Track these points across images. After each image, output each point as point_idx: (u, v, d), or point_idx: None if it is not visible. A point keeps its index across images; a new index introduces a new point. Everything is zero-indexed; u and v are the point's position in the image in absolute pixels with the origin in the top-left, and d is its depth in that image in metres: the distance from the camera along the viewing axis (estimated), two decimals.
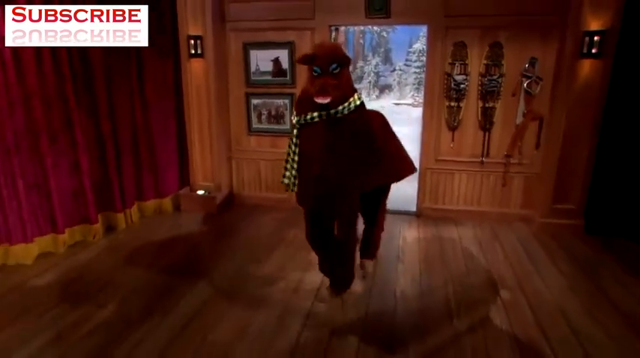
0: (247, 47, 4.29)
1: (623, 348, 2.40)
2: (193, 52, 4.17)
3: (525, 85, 3.85)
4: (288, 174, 2.65)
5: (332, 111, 2.41)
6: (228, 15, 4.26)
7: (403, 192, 4.30)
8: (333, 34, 4.18)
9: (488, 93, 3.95)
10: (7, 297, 2.85)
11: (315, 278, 3.10)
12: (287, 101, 4.39)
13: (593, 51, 3.48)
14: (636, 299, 2.87)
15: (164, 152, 4.47)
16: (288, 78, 4.31)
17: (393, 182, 3.08)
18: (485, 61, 3.89)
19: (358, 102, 2.51)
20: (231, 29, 4.30)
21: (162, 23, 4.16)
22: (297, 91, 4.31)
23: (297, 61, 2.54)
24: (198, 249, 3.72)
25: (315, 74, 2.34)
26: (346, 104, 2.43)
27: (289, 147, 2.60)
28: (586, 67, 3.56)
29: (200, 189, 4.61)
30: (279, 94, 4.39)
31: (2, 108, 3.07)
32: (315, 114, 2.44)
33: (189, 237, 3.93)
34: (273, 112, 4.50)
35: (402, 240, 3.85)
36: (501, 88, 3.92)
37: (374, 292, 2.99)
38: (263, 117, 4.54)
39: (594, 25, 3.44)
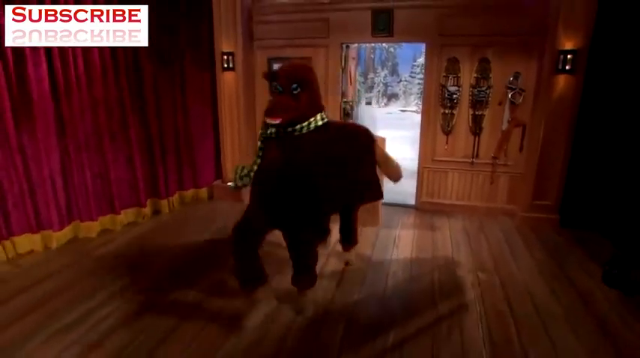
0: (271, 61, 4.72)
1: (572, 317, 2.65)
2: (226, 65, 4.63)
3: (510, 95, 4.12)
4: (246, 171, 2.54)
5: (289, 129, 2.33)
6: (256, 34, 4.70)
7: (404, 188, 4.61)
8: (345, 50, 4.56)
9: (478, 103, 4.24)
10: (78, 262, 3.38)
11: (336, 261, 3.45)
12: None
13: (567, 67, 3.72)
14: (593, 280, 3.09)
15: (202, 150, 4.95)
16: None
17: (354, 204, 3.04)
18: (475, 74, 4.18)
19: (320, 123, 2.42)
20: (258, 46, 4.74)
21: (202, 42, 4.64)
22: None
23: (262, 76, 2.41)
24: (228, 228, 4.13)
25: (276, 92, 2.28)
26: (305, 124, 2.35)
27: (256, 154, 2.50)
28: (561, 81, 3.79)
29: (230, 182, 5.07)
30: None
31: (76, 114, 3.63)
32: (274, 130, 2.35)
33: (221, 218, 4.35)
34: None
35: (400, 229, 4.15)
36: (489, 98, 4.20)
37: (369, 273, 3.25)
38: None
39: (568, 44, 3.69)
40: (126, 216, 4.19)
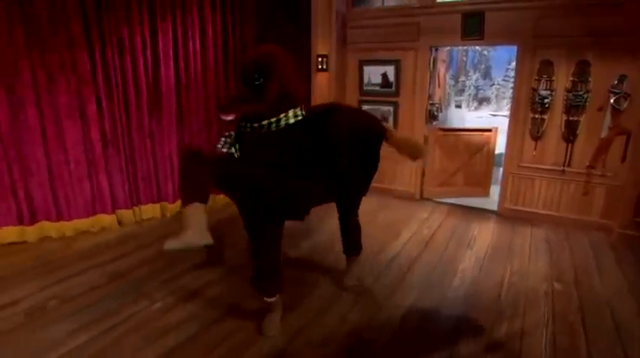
0: (362, 63, 4.93)
1: None
2: (320, 67, 4.96)
3: (613, 100, 3.73)
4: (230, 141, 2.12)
5: (255, 124, 2.02)
6: (349, 38, 4.95)
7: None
8: (434, 53, 4.56)
9: (573, 107, 3.92)
10: None
11: (391, 248, 3.58)
12: (391, 108, 4.91)
13: None
14: None
15: None
16: (393, 89, 4.82)
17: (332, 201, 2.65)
18: (571, 78, 3.87)
19: (292, 121, 2.06)
20: (350, 49, 4.98)
21: (301, 46, 5.02)
22: (400, 101, 4.81)
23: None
24: (308, 219, 4.41)
25: (240, 83, 1.99)
26: (274, 120, 2.01)
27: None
28: None
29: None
30: (385, 102, 4.93)
31: (192, 106, 4.28)
32: (243, 123, 2.05)
33: None
34: (379, 117, 5.05)
35: (477, 232, 4.05)
36: (587, 103, 3.86)
37: (438, 268, 3.28)
38: None
39: None
40: (225, 196, 4.74)
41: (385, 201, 4.90)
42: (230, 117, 1.95)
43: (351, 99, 5.17)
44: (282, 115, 2.04)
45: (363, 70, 4.96)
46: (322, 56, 4.90)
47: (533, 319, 2.61)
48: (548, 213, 4.26)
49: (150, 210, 4.24)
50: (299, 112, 2.15)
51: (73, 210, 3.80)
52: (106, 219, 3.95)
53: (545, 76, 3.97)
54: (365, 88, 5.03)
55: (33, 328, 2.48)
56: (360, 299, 2.84)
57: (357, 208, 2.85)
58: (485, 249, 3.65)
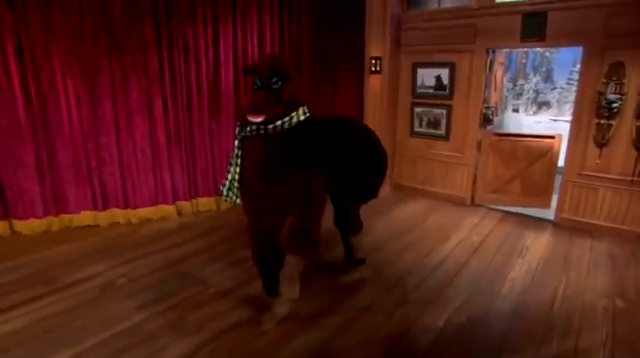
0: (415, 66, 4.90)
1: None
2: (374, 69, 4.99)
3: None
4: (227, 184, 2.38)
5: (269, 126, 2.15)
6: (403, 40, 4.94)
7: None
8: (491, 55, 4.44)
9: None
10: (239, 223, 4.10)
11: (439, 252, 3.56)
12: (444, 111, 4.84)
13: None
14: None
15: None
16: (446, 92, 4.75)
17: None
18: None
19: (302, 118, 2.25)
20: (404, 52, 4.97)
21: (355, 50, 5.10)
22: (453, 104, 4.73)
23: (242, 70, 2.18)
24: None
25: (256, 87, 2.11)
26: (287, 119, 2.18)
27: (232, 157, 2.34)
28: None
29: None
30: (438, 105, 4.87)
31: None
32: (254, 127, 2.15)
33: None
34: (431, 119, 5.00)
35: (531, 241, 3.89)
36: None
37: (485, 274, 3.22)
38: (423, 122, 5.08)
39: None
40: None
41: (435, 204, 4.84)
42: (260, 119, 2.05)
43: (404, 101, 5.16)
44: (293, 114, 2.22)
45: (416, 73, 4.93)
46: (376, 58, 4.93)
47: (589, 337, 2.49)
48: (612, 225, 4.00)
49: (206, 203, 4.51)
50: (306, 110, 2.34)
51: (138, 199, 4.14)
52: (167, 209, 4.26)
53: (614, 79, 3.73)
54: (418, 90, 5.00)
55: (106, 301, 2.78)
56: (405, 300, 2.85)
57: (359, 205, 3.10)
58: (538, 259, 3.51)
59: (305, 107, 2.33)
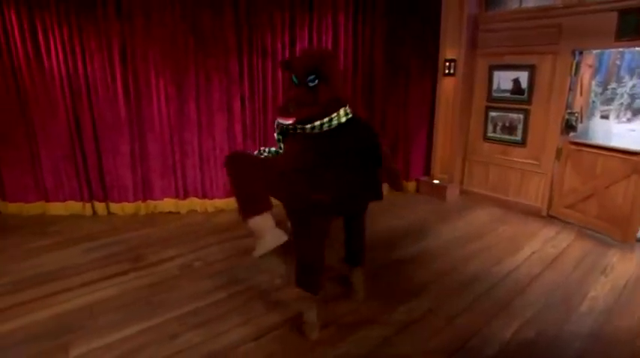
0: (492, 68, 4.70)
1: None
2: (447, 71, 4.88)
3: None
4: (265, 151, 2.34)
5: (308, 126, 2.04)
6: (479, 42, 4.76)
7: None
8: (577, 57, 4.12)
9: None
10: None
11: (510, 262, 3.40)
12: (521, 115, 4.59)
13: None
14: None
15: (415, 147, 5.34)
16: (525, 96, 4.50)
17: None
18: None
19: (343, 120, 2.09)
20: (480, 54, 4.79)
21: (426, 52, 5.01)
22: (532, 108, 4.47)
23: (279, 65, 1.99)
24: (422, 221, 4.37)
25: (294, 84, 1.99)
26: (326, 120, 2.03)
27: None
28: None
29: (436, 179, 5.30)
30: (515, 109, 4.62)
31: None
32: (291, 126, 2.05)
33: (422, 210, 4.69)
34: (507, 124, 4.76)
35: (617, 259, 3.52)
36: None
37: (561, 289, 3.01)
38: (498, 127, 4.86)
39: None
40: None
41: (506, 213, 4.61)
42: (290, 121, 1.96)
43: (478, 105, 4.98)
44: (333, 115, 2.06)
45: (492, 76, 4.73)
46: (450, 61, 4.81)
47: None
48: None
49: None
50: (348, 111, 2.19)
51: (215, 190, 4.45)
52: None
53: None
54: (493, 94, 4.78)
55: (184, 280, 3.06)
56: (470, 307, 2.77)
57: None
58: (625, 280, 3.19)
59: (347, 107, 2.18)
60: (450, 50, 4.81)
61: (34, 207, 4.28)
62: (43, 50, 3.83)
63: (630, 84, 6.97)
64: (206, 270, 3.19)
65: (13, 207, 4.27)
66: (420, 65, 5.05)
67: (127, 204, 4.30)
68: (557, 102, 4.27)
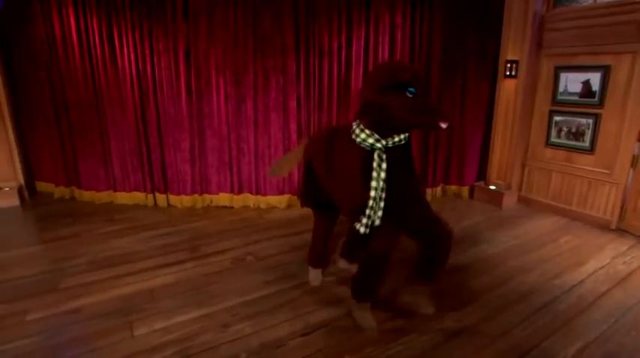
0: (558, 70, 4.42)
1: None
2: (508, 73, 4.65)
3: None
4: (366, 220, 2.15)
5: (402, 136, 2.10)
6: (545, 42, 4.49)
7: None
8: None
9: None
10: None
11: (572, 275, 3.19)
12: (590, 120, 4.28)
13: None
14: None
15: (470, 151, 5.15)
16: (596, 99, 4.19)
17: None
18: None
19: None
20: (545, 54, 4.52)
21: (485, 53, 4.81)
22: (603, 113, 4.15)
23: (410, 76, 1.97)
24: (476, 228, 4.21)
25: (410, 95, 1.96)
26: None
27: (374, 181, 2.06)
28: None
29: (492, 185, 5.07)
30: (583, 114, 4.32)
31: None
32: (398, 138, 2.07)
33: (475, 216, 4.54)
34: (573, 129, 4.46)
35: None
36: None
37: (634, 312, 2.78)
38: (562, 133, 4.56)
39: None
40: None
41: (569, 224, 4.31)
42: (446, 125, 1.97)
43: (541, 109, 4.71)
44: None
45: (558, 78, 4.45)
46: (512, 62, 4.59)
47: None
48: None
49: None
50: None
51: (268, 187, 4.56)
52: (292, 199, 4.61)
53: None
54: (559, 97, 4.50)
55: (237, 273, 3.17)
56: (526, 320, 2.62)
57: None
58: None
59: None
60: (513, 50, 4.58)
61: (104, 196, 4.65)
62: (117, 52, 4.15)
63: None
64: (258, 265, 3.28)
65: (86, 195, 4.68)
66: (479, 66, 4.86)
67: (185, 196, 4.54)
68: (635, 107, 3.93)
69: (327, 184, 2.47)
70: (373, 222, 2.15)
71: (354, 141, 2.13)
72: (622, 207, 4.15)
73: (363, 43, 4.40)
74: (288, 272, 3.15)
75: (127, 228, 3.98)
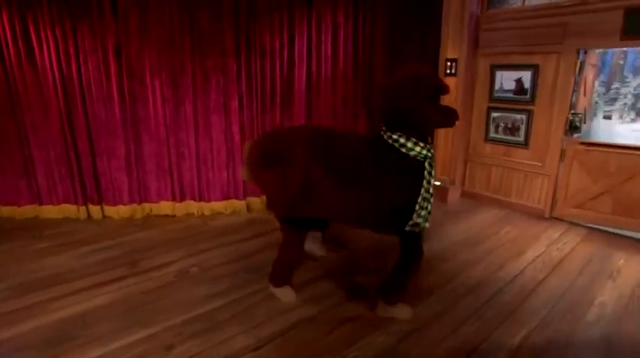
0: (493, 68, 4.64)
1: None
2: (448, 71, 4.80)
3: None
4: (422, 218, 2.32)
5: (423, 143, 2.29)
6: (481, 41, 4.70)
7: None
8: (581, 56, 4.06)
9: None
10: None
11: (514, 266, 3.34)
12: (524, 116, 4.52)
13: None
14: None
15: None
16: (527, 96, 4.43)
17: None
18: None
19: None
20: (482, 53, 4.72)
21: (427, 51, 4.94)
22: (535, 109, 4.40)
23: (444, 88, 2.33)
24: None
25: (436, 100, 2.30)
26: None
27: (425, 186, 2.25)
28: None
29: (437, 181, 5.23)
30: (517, 110, 4.56)
31: (321, 108, 4.53)
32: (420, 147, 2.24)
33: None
34: (509, 125, 4.70)
35: (624, 262, 3.45)
36: None
37: (567, 296, 2.94)
38: (500, 128, 4.79)
39: None
40: None
41: (509, 215, 4.55)
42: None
43: (479, 106, 4.92)
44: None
45: (494, 76, 4.67)
46: (451, 60, 4.74)
47: None
48: None
49: None
50: None
51: (212, 193, 4.37)
52: (238, 204, 4.45)
53: None
54: (495, 94, 4.72)
55: (181, 287, 2.97)
56: (475, 314, 2.70)
57: None
58: (633, 285, 3.13)
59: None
60: (452, 50, 4.74)
61: (28, 211, 4.19)
62: (36, 51, 3.74)
63: (634, 83, 6.91)
64: (204, 276, 3.11)
65: (5, 211, 4.18)
66: (420, 64, 4.97)
67: (122, 206, 4.21)
68: (560, 103, 4.22)
69: (327, 194, 2.33)
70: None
71: (389, 149, 2.23)
72: (553, 197, 4.45)
73: (305, 42, 4.34)
74: (236, 282, 3.01)
75: (57, 245, 3.61)
